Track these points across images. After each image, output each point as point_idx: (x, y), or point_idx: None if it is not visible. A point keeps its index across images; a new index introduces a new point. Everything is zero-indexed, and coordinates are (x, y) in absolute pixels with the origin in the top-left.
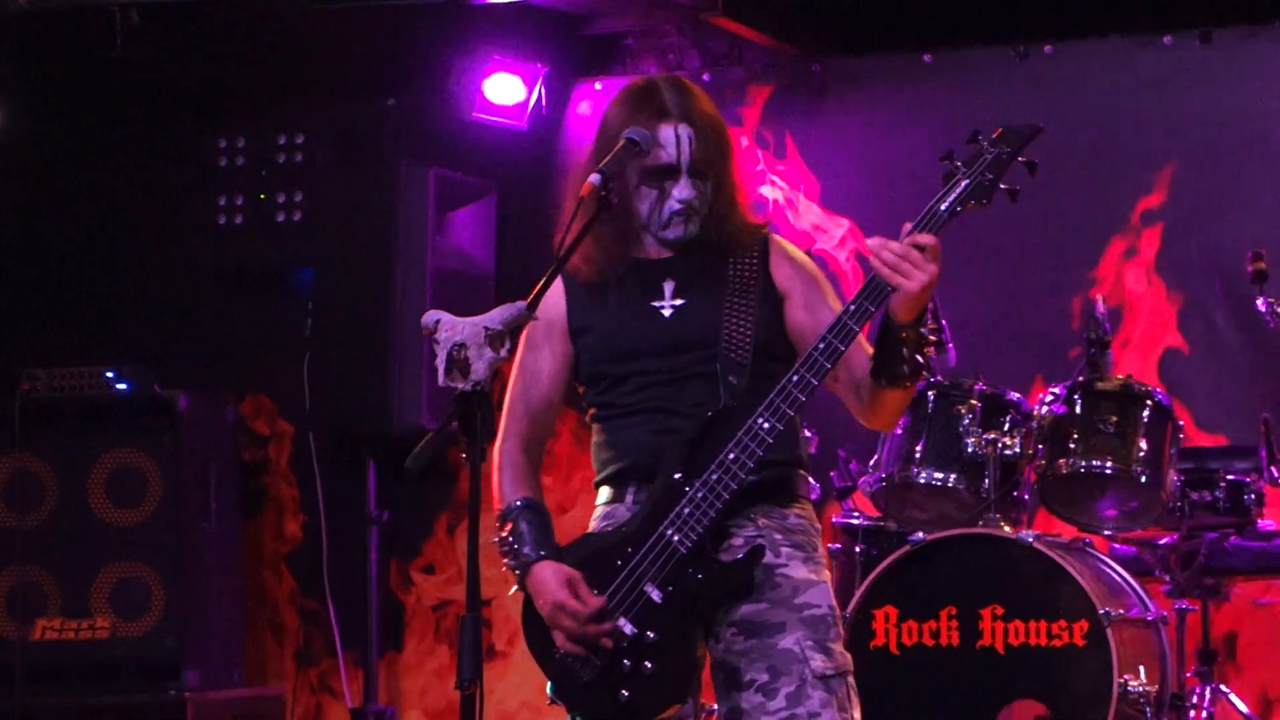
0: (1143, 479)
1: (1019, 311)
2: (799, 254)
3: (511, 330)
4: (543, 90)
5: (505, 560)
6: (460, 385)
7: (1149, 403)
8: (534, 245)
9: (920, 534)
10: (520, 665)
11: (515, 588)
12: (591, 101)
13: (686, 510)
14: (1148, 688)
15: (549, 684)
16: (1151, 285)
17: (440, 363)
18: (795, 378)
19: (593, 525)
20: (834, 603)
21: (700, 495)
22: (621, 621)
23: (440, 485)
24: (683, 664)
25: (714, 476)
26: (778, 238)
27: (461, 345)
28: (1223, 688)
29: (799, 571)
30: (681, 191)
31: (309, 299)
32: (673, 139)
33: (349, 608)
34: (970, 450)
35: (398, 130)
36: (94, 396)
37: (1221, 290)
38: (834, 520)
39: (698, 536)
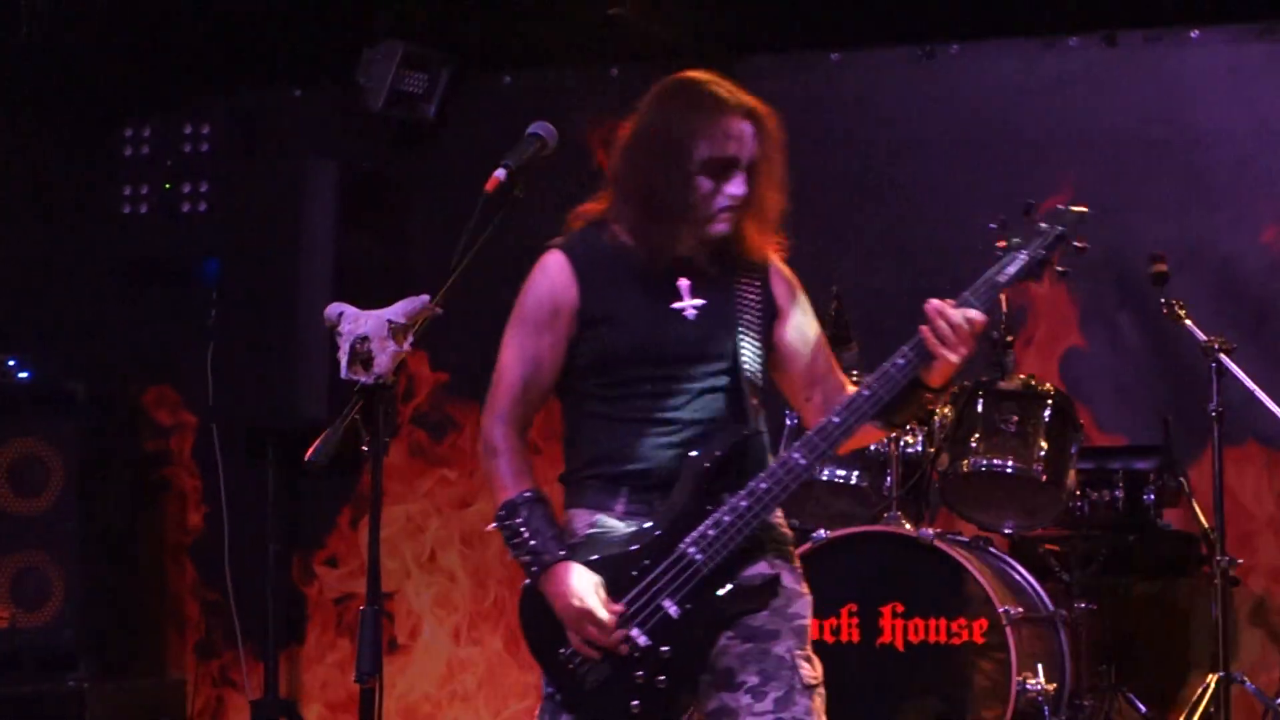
0: (1043, 478)
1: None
2: (790, 272)
3: (414, 324)
4: (449, 83)
5: (516, 554)
6: (362, 378)
7: (1050, 402)
8: (439, 238)
9: (822, 531)
10: (421, 658)
11: (526, 580)
12: (500, 96)
13: (711, 532)
14: (1046, 686)
15: (546, 680)
16: (1054, 286)
17: (343, 355)
18: (837, 419)
19: (579, 529)
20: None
21: (727, 520)
22: (635, 632)
23: (343, 477)
24: (693, 679)
25: (743, 504)
26: (775, 255)
27: (364, 338)
28: (1120, 687)
29: (789, 581)
30: (736, 187)
31: (213, 290)
32: (740, 132)
33: (250, 600)
34: (872, 448)
35: (304, 121)
36: None
37: (1123, 291)
38: None
39: (722, 559)
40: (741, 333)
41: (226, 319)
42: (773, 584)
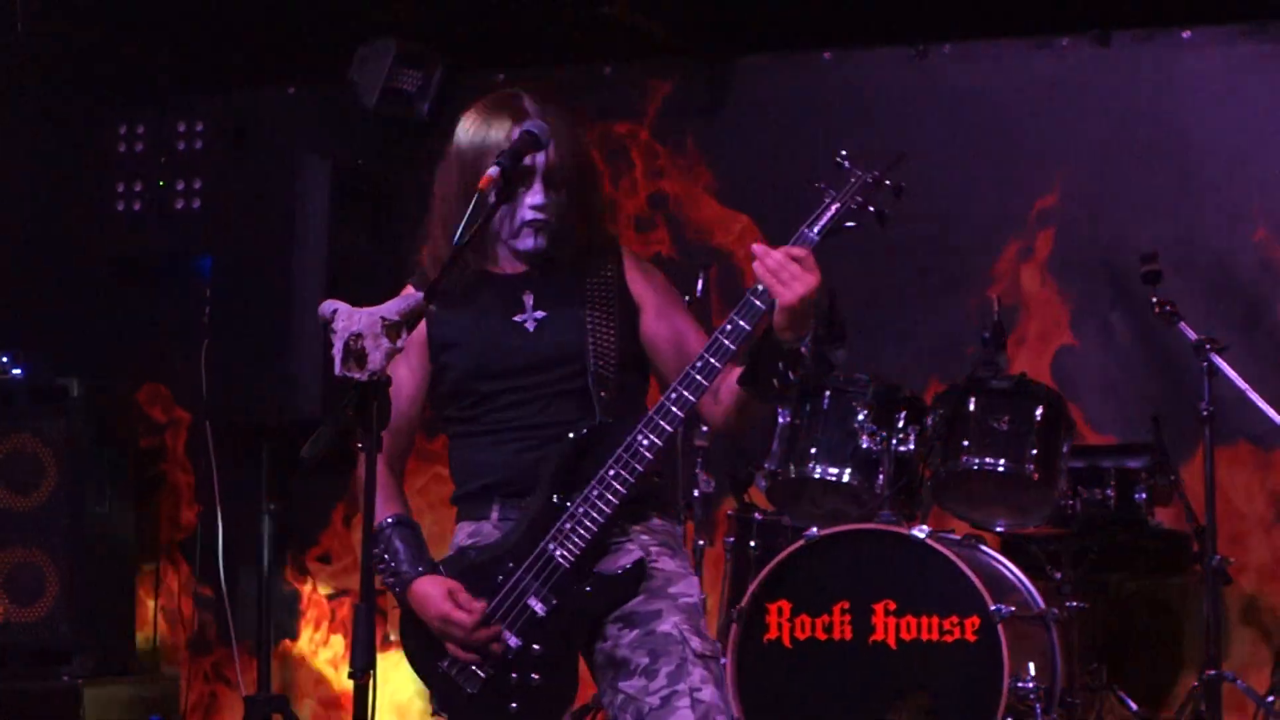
0: (1035, 477)
1: (915, 309)
2: (650, 265)
3: (408, 321)
4: (443, 81)
5: (384, 579)
6: (356, 375)
7: (1042, 401)
8: None
9: (814, 529)
10: None
11: (396, 604)
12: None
13: (567, 525)
14: (1038, 684)
15: (432, 697)
16: (1046, 285)
17: (337, 353)
18: (674, 395)
19: (459, 541)
20: (703, 595)
21: (581, 510)
22: (506, 634)
23: (336, 475)
24: (568, 674)
25: (594, 492)
26: (627, 248)
27: (358, 335)
28: (1111, 685)
29: (669, 565)
30: (534, 198)
31: (207, 287)
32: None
33: (244, 596)
34: (865, 446)
35: (298, 119)
36: None
37: (1114, 290)
38: (729, 514)
39: (579, 551)
40: (592, 330)
41: (220, 316)
42: (636, 570)
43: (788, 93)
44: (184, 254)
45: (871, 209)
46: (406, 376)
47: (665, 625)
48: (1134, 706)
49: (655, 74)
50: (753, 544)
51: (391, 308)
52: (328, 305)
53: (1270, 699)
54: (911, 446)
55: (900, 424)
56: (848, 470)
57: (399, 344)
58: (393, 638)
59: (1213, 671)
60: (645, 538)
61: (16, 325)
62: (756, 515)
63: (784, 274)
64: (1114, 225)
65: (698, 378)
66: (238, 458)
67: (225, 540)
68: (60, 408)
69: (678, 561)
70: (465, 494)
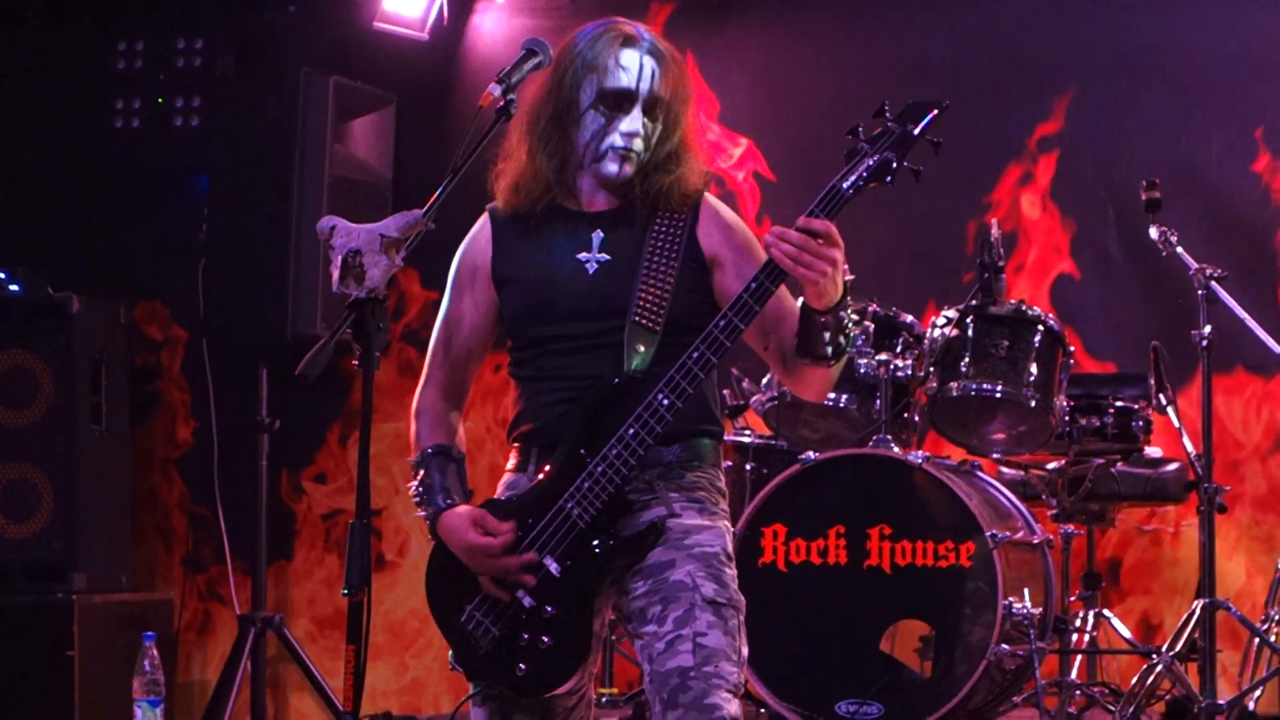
0: (1032, 403)
1: (914, 234)
2: (732, 217)
3: (407, 238)
4: (444, 0)
5: (419, 510)
6: (354, 292)
7: (1040, 328)
8: (432, 155)
9: (811, 453)
10: (409, 575)
11: (429, 537)
12: (494, 14)
13: (586, 484)
14: (1032, 610)
15: (450, 651)
16: (1046, 211)
17: (335, 269)
18: (696, 354)
19: (499, 489)
20: (729, 548)
21: (599, 470)
22: (520, 594)
23: (333, 394)
24: (579, 639)
25: (613, 452)
26: (711, 199)
27: (356, 252)
28: (1105, 611)
29: (692, 519)
30: (630, 124)
31: (205, 205)
32: (636, 64)
33: (239, 515)
34: (862, 371)
35: (298, 37)
36: None
37: (1114, 218)
38: (726, 438)
39: (596, 511)
40: (645, 279)
41: (218, 234)
42: (651, 532)
43: (789, 16)
44: (182, 172)
45: (907, 164)
46: (469, 308)
47: (678, 574)
48: (1127, 634)
49: None
50: (749, 467)
51: (391, 224)
52: (326, 221)
53: (1264, 627)
54: (909, 372)
55: (898, 348)
56: (845, 394)
57: (398, 261)
58: (387, 558)
59: (1207, 599)
60: (674, 494)
61: (14, 241)
62: (754, 439)
63: (803, 258)
64: (1115, 152)
65: (721, 338)
66: (234, 376)
67: (220, 459)
68: (57, 324)
69: (705, 516)
70: (513, 441)
